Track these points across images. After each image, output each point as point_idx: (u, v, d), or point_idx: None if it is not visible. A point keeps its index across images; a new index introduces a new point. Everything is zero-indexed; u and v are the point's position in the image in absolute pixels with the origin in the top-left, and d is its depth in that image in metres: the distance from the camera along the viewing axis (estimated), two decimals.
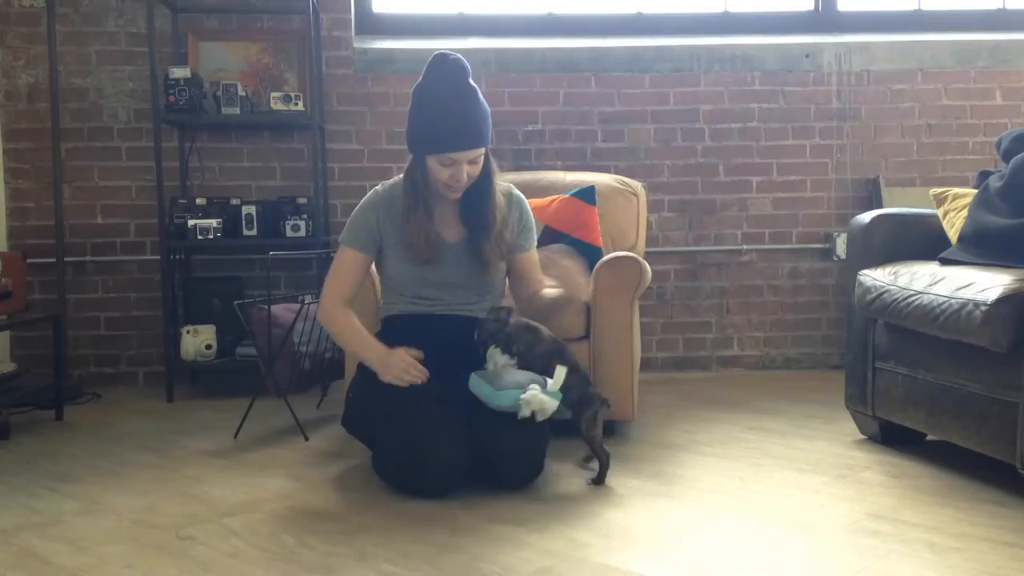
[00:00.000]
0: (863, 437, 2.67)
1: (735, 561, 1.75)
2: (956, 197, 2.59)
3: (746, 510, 2.06)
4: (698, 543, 1.85)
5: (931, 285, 2.25)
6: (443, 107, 2.21)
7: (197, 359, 3.45)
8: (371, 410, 2.30)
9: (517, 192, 2.48)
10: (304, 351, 2.89)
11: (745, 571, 1.70)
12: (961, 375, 2.20)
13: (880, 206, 3.73)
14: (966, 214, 2.49)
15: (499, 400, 2.13)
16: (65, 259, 3.62)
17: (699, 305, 3.94)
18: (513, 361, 2.23)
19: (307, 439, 2.75)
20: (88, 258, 3.74)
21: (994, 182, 2.48)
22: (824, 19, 4.03)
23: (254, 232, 3.46)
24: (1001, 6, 4.08)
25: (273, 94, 3.50)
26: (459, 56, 2.26)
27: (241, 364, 3.46)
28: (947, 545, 1.81)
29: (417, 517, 2.02)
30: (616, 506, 2.09)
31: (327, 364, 3.05)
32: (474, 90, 2.25)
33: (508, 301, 2.47)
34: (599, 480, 2.23)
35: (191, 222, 3.41)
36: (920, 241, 2.59)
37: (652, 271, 2.77)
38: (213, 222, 3.40)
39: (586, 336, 2.70)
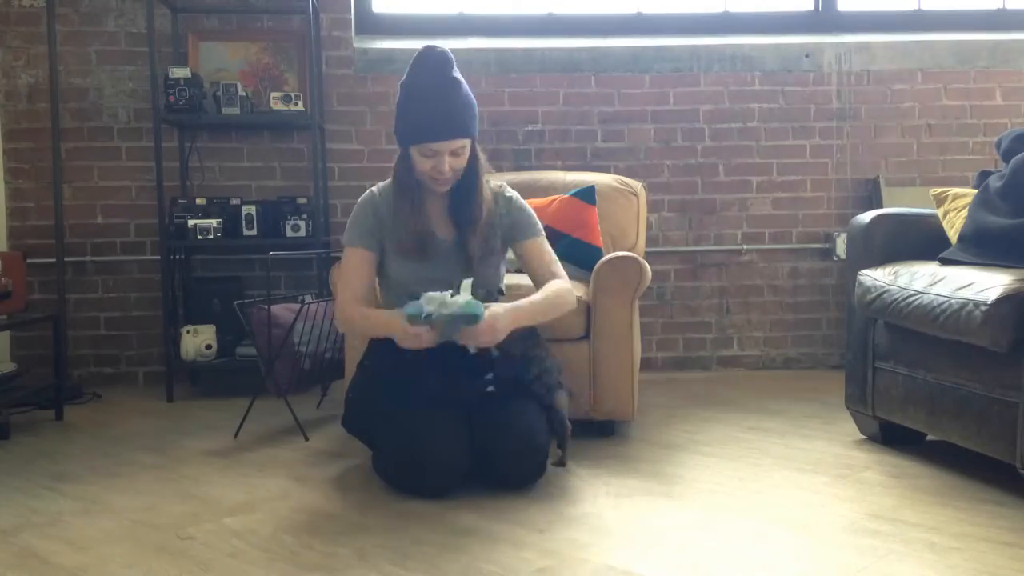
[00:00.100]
0: (863, 437, 2.67)
1: (735, 561, 1.75)
2: (956, 197, 2.59)
3: (746, 510, 2.06)
4: (698, 543, 1.85)
5: (931, 285, 2.25)
6: (425, 98, 2.21)
7: (197, 359, 3.45)
8: (371, 410, 2.30)
9: (509, 189, 2.46)
10: (304, 351, 2.89)
11: (745, 571, 1.70)
12: (961, 375, 2.20)
13: (880, 206, 3.73)
14: (966, 214, 2.49)
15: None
16: (65, 259, 3.62)
17: (699, 305, 3.94)
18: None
19: (307, 439, 2.75)
20: (88, 258, 3.74)
21: (994, 182, 2.48)
22: (824, 19, 4.03)
23: (254, 232, 3.47)
24: (1001, 6, 4.08)
25: (273, 94, 3.51)
26: (444, 49, 2.25)
27: (241, 364, 3.46)
28: (947, 545, 1.81)
29: (417, 517, 2.02)
30: (616, 506, 2.09)
31: (327, 364, 3.05)
32: (457, 81, 2.24)
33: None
34: (562, 462, 2.32)
35: (191, 222, 3.41)
36: (920, 241, 2.59)
37: (652, 271, 2.77)
38: (213, 222, 3.40)
39: (586, 336, 2.70)
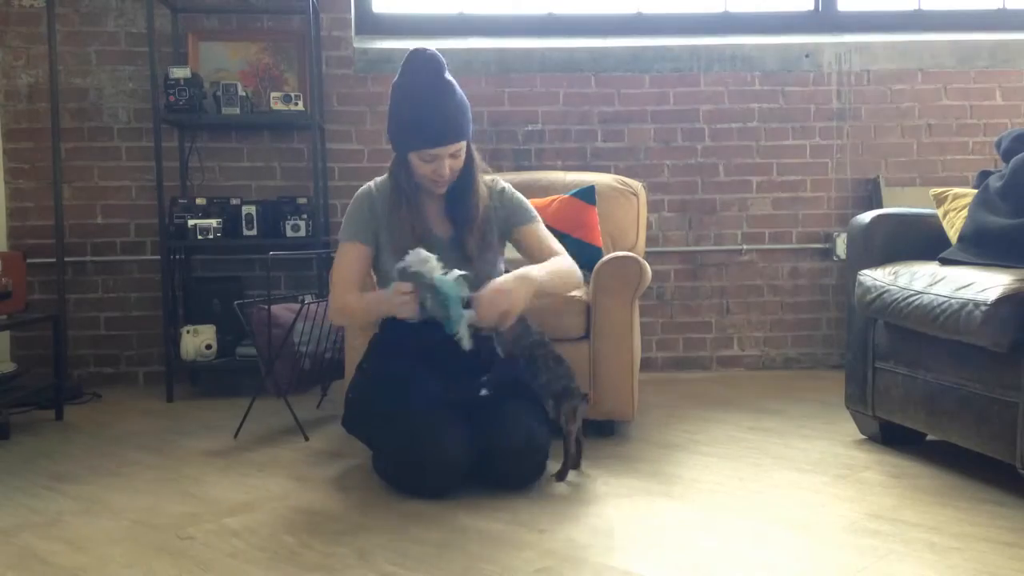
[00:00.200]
0: (863, 437, 2.67)
1: (735, 561, 1.75)
2: (956, 197, 2.59)
3: (746, 510, 2.06)
4: (698, 543, 1.85)
5: (931, 285, 2.25)
6: (420, 104, 2.21)
7: (197, 359, 3.45)
8: (371, 410, 2.30)
9: (501, 182, 2.47)
10: (304, 351, 2.89)
11: (745, 571, 1.70)
12: (961, 375, 2.20)
13: (880, 206, 3.73)
14: (966, 214, 2.49)
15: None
16: (65, 259, 3.62)
17: (699, 305, 3.94)
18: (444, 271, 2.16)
19: (307, 439, 2.75)
20: (88, 258, 3.74)
21: (994, 182, 2.48)
22: (824, 19, 4.03)
23: (254, 232, 3.47)
24: (1001, 6, 4.08)
25: (273, 94, 3.51)
26: (434, 51, 2.25)
27: (241, 364, 3.46)
28: (947, 545, 1.81)
29: (417, 517, 2.02)
30: (616, 506, 2.09)
31: (327, 364, 3.05)
32: (450, 84, 2.25)
33: None
34: (561, 476, 2.24)
35: (191, 222, 3.41)
36: (920, 241, 2.59)
37: (652, 271, 2.77)
38: (213, 222, 3.40)
39: (586, 336, 2.70)
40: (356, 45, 3.83)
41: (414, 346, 2.31)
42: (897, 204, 3.68)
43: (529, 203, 2.47)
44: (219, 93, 3.46)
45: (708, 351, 3.94)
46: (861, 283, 2.53)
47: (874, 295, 2.45)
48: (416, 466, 2.13)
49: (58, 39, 3.60)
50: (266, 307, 2.85)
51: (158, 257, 3.55)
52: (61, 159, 3.59)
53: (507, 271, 2.31)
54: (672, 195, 3.90)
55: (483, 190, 2.37)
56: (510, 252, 2.49)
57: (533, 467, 2.21)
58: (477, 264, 2.31)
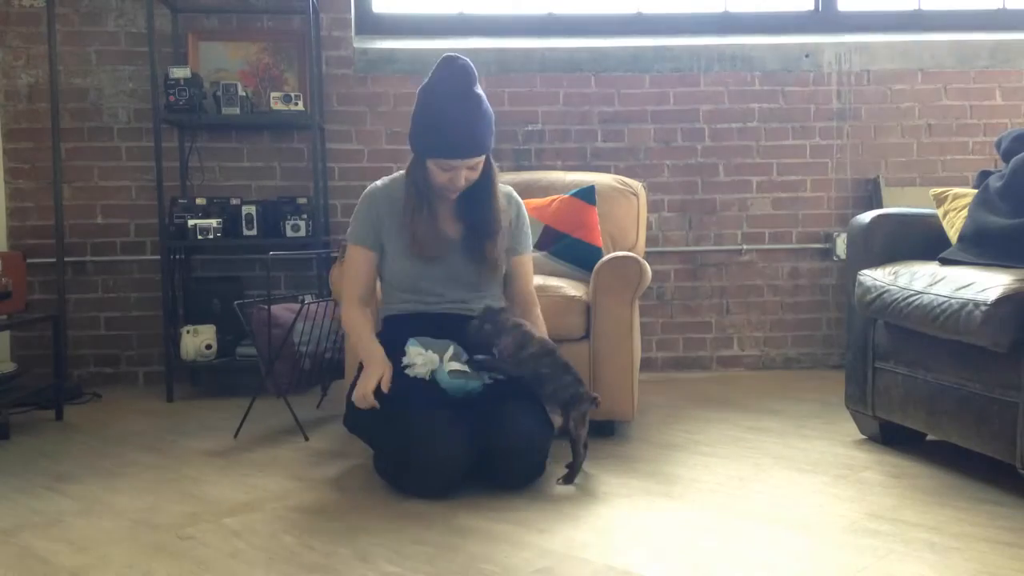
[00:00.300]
0: (863, 437, 2.67)
1: (735, 561, 1.75)
2: (956, 197, 2.59)
3: (746, 510, 2.06)
4: (698, 543, 1.85)
5: (931, 285, 2.25)
6: (446, 113, 2.21)
7: (197, 359, 3.45)
8: (372, 410, 2.30)
9: (516, 196, 2.51)
10: (304, 351, 2.89)
11: (745, 571, 1.70)
12: (961, 375, 2.20)
13: (880, 206, 3.73)
14: (966, 214, 2.49)
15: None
16: (65, 259, 3.63)
17: (699, 305, 3.94)
18: (464, 359, 2.27)
19: (307, 439, 2.75)
20: (88, 258, 3.74)
21: (994, 182, 2.48)
22: (824, 19, 4.03)
23: (254, 232, 3.47)
24: (1001, 6, 4.08)
25: (273, 94, 3.51)
26: (467, 61, 2.24)
27: (241, 364, 3.46)
28: (947, 545, 1.81)
29: (417, 517, 2.02)
30: (616, 506, 2.09)
31: (327, 364, 3.05)
32: (479, 97, 2.24)
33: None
34: (569, 479, 2.23)
35: (191, 222, 3.41)
36: (920, 241, 2.59)
37: (652, 271, 2.77)
38: (213, 222, 3.40)
39: (586, 336, 2.70)
40: (356, 45, 3.83)
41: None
42: (897, 204, 3.68)
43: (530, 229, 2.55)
44: (219, 93, 3.46)
45: (708, 351, 3.94)
46: (861, 283, 2.53)
47: (874, 295, 2.45)
48: (417, 466, 2.13)
49: (58, 39, 3.61)
50: (266, 307, 2.85)
51: (158, 257, 3.55)
52: (61, 159, 3.59)
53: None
54: (672, 195, 3.90)
55: (503, 202, 2.39)
56: None
57: (533, 467, 2.22)
58: (493, 271, 2.38)
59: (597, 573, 1.70)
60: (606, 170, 3.71)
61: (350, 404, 2.40)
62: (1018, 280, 2.04)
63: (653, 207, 3.79)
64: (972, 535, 1.87)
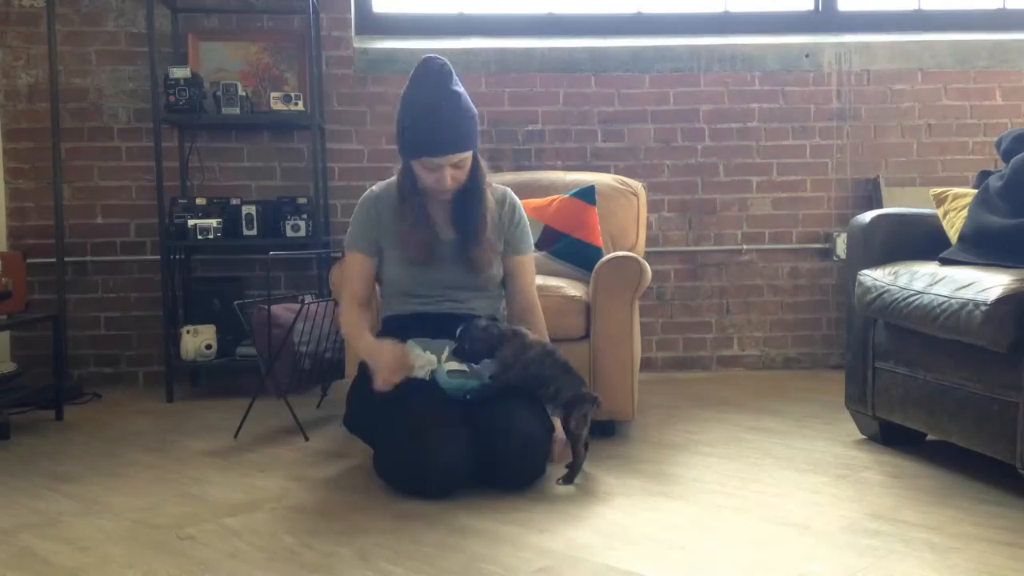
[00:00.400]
0: (863, 437, 2.67)
1: (735, 561, 1.75)
2: (956, 197, 2.59)
3: (746, 510, 2.06)
4: (698, 543, 1.85)
5: (931, 285, 2.25)
6: (424, 112, 2.22)
7: (197, 359, 3.45)
8: (372, 410, 2.30)
9: (512, 196, 2.49)
10: (304, 351, 2.89)
11: (745, 571, 1.70)
12: (961, 375, 2.20)
13: (880, 206, 3.73)
14: (966, 214, 2.49)
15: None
16: (65, 259, 3.63)
17: (699, 305, 3.94)
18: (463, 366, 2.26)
19: (307, 439, 2.75)
20: (88, 258, 3.74)
21: (994, 182, 2.48)
22: (824, 19, 4.03)
23: (254, 232, 3.47)
24: (1001, 6, 4.08)
25: (273, 94, 3.51)
26: (444, 60, 2.26)
27: (241, 364, 3.46)
28: (947, 545, 1.81)
29: (417, 517, 2.02)
30: (616, 506, 2.09)
31: (327, 364, 3.05)
32: (457, 95, 2.24)
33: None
34: (569, 479, 2.23)
35: (191, 222, 3.41)
36: (920, 241, 2.59)
37: (652, 271, 2.77)
38: (213, 222, 3.40)
39: (586, 336, 2.70)
40: (356, 45, 3.83)
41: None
42: (897, 204, 3.68)
43: (530, 229, 2.52)
44: (219, 93, 3.46)
45: (708, 351, 3.94)
46: (861, 283, 2.53)
47: (874, 295, 2.45)
48: (416, 466, 2.13)
49: (58, 39, 3.61)
50: (266, 307, 2.84)
51: (158, 257, 3.55)
52: (61, 159, 3.59)
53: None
54: (672, 195, 3.90)
55: (491, 202, 2.38)
56: None
57: (532, 468, 2.21)
58: (482, 274, 2.35)
59: (597, 573, 1.70)
60: (606, 170, 3.71)
61: (350, 404, 2.41)
62: (1018, 280, 2.04)
63: (653, 207, 3.79)
64: (972, 535, 1.86)
